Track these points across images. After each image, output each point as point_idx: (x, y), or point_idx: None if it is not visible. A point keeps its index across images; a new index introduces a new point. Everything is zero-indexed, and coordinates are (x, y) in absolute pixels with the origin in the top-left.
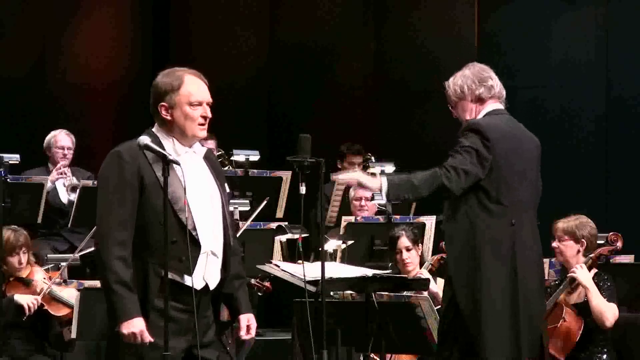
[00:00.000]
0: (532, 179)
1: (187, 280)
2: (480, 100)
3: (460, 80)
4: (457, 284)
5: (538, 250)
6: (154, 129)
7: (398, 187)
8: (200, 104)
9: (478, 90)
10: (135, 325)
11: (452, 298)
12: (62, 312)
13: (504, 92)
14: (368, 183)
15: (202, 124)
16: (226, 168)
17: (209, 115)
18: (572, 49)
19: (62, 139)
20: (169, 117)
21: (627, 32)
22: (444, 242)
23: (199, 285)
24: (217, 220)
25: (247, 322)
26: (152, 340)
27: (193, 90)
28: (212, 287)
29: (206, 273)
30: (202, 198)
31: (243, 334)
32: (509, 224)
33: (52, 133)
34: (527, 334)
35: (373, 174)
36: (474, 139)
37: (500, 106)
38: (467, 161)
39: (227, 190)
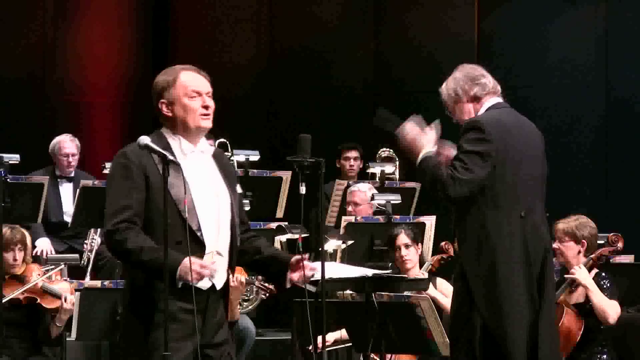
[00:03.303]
0: (538, 169)
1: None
2: (476, 99)
3: (453, 84)
4: (475, 286)
5: (548, 240)
6: (162, 130)
7: (421, 172)
8: (198, 94)
9: (473, 90)
10: (191, 264)
11: (465, 301)
12: (55, 305)
13: (498, 87)
14: (413, 145)
15: (205, 114)
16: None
17: (211, 104)
18: (572, 49)
19: (66, 146)
20: (170, 114)
21: (627, 32)
22: (457, 244)
23: (205, 286)
24: (224, 220)
25: (302, 258)
26: (214, 269)
27: (189, 81)
28: (218, 286)
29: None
30: (208, 198)
31: (312, 266)
32: (519, 217)
33: (57, 139)
34: (548, 333)
35: (374, 174)
36: (474, 139)
37: (499, 99)
38: (468, 169)
39: (239, 190)
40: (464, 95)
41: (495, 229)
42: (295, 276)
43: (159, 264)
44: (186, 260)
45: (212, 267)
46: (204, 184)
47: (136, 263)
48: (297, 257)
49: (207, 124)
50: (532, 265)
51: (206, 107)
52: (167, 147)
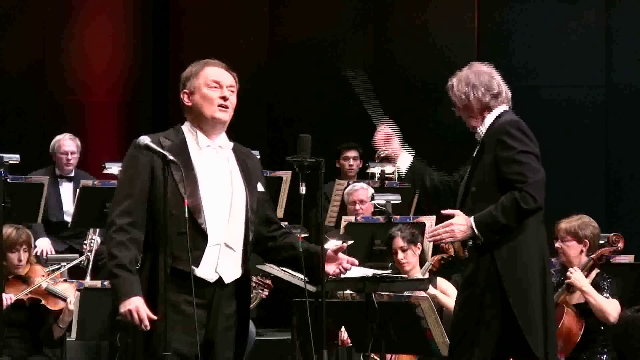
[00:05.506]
0: None
1: (197, 272)
2: (487, 108)
3: (466, 88)
4: (510, 286)
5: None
6: (184, 124)
7: (490, 230)
8: (219, 85)
9: (485, 98)
10: (131, 303)
11: (474, 307)
12: (59, 306)
13: (509, 94)
14: (460, 236)
15: (222, 106)
16: None
17: (230, 97)
18: (572, 48)
19: (66, 144)
20: (190, 104)
21: (627, 32)
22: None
23: (211, 278)
24: (237, 215)
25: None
26: (153, 317)
27: (211, 72)
28: (227, 280)
29: (219, 266)
30: (218, 192)
31: (349, 259)
32: (540, 222)
33: (57, 138)
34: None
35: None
36: (523, 141)
37: (507, 108)
38: (534, 170)
39: (261, 188)
40: (476, 103)
41: (524, 232)
42: (330, 269)
43: (114, 284)
44: (135, 299)
45: (145, 323)
46: (216, 178)
47: (108, 264)
48: (334, 248)
49: (223, 116)
50: (546, 272)
51: (224, 99)
52: (183, 141)
